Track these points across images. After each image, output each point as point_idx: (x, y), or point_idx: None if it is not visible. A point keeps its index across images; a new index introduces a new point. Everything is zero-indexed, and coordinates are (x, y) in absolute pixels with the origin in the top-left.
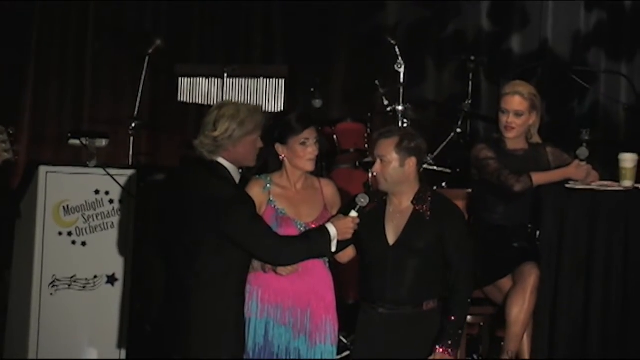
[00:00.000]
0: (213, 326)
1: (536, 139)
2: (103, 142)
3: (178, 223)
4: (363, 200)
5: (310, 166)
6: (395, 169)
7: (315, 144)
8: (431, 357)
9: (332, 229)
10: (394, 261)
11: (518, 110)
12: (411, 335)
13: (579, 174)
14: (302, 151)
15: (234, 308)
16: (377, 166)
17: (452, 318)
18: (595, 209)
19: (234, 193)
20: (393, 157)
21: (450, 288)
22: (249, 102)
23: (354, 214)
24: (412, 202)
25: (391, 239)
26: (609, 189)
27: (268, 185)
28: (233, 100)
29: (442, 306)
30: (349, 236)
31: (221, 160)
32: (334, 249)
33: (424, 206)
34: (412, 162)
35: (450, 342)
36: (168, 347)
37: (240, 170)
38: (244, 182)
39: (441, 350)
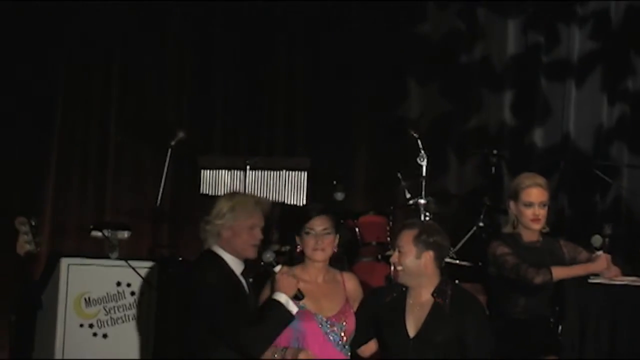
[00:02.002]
0: None
1: (546, 229)
2: (125, 234)
3: (174, 312)
4: (269, 255)
5: (317, 256)
6: (412, 260)
7: (325, 234)
8: None
9: (276, 295)
10: (414, 354)
11: (543, 201)
12: None
13: (600, 266)
14: (308, 241)
15: None
16: (395, 256)
17: None
18: (618, 304)
19: (213, 281)
20: (410, 248)
21: None
22: (270, 194)
23: (277, 268)
24: (432, 294)
25: (411, 331)
26: (632, 284)
27: None
28: (244, 192)
29: None
30: (295, 284)
31: (219, 250)
32: (295, 309)
33: (445, 299)
34: (429, 255)
35: None
36: None
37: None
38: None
39: None
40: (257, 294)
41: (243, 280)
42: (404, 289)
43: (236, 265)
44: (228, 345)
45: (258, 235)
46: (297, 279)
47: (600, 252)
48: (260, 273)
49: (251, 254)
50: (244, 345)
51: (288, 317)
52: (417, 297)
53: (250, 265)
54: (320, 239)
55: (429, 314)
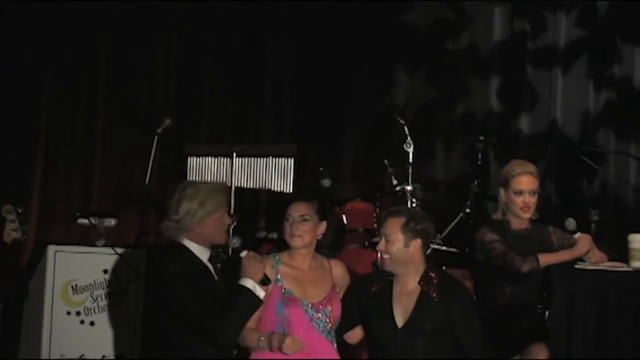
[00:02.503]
0: None
1: (535, 216)
2: (112, 222)
3: (147, 304)
4: (235, 241)
5: (293, 242)
6: (400, 249)
7: (302, 221)
8: None
9: (243, 280)
10: (402, 343)
11: (532, 189)
12: None
13: (583, 246)
14: (286, 227)
15: None
16: (382, 244)
17: None
18: (604, 289)
19: (177, 272)
20: (398, 237)
21: None
22: (256, 181)
23: (243, 254)
24: (418, 282)
25: (399, 321)
26: (618, 269)
27: (276, 265)
28: (194, 180)
29: None
30: (261, 269)
31: (186, 241)
32: (262, 294)
33: (431, 287)
34: (417, 243)
35: None
36: None
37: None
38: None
39: None
40: (226, 279)
41: (210, 267)
42: (390, 277)
43: (202, 253)
44: (199, 337)
45: (227, 220)
46: (264, 264)
47: (578, 234)
48: (227, 259)
49: (222, 239)
50: (215, 334)
51: (256, 303)
52: (403, 286)
53: (217, 252)
54: (296, 225)
55: (417, 303)
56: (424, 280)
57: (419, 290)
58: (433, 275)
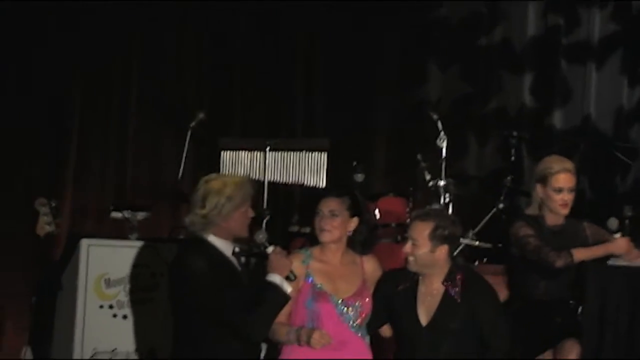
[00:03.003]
0: None
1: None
2: (145, 215)
3: (171, 301)
4: (261, 236)
5: (322, 237)
6: (426, 253)
7: (331, 216)
8: None
9: (270, 276)
10: (427, 343)
11: (571, 187)
12: None
13: (620, 248)
14: (315, 222)
15: None
16: (408, 247)
17: None
18: (638, 286)
19: (203, 269)
20: (425, 242)
21: None
22: (289, 176)
23: (269, 249)
24: (443, 282)
25: (424, 320)
26: None
27: (307, 259)
28: (223, 173)
29: None
30: (288, 265)
31: (211, 237)
32: (289, 289)
33: (455, 287)
34: (443, 249)
35: None
36: None
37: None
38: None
39: None
40: (250, 273)
41: (235, 261)
42: (415, 276)
43: (226, 248)
44: (229, 333)
45: (251, 214)
46: (290, 260)
47: (618, 235)
48: (253, 253)
49: (246, 233)
50: (245, 331)
51: (284, 298)
52: (428, 286)
53: (243, 246)
54: (326, 220)
55: (441, 302)
56: (449, 280)
57: (443, 290)
58: (458, 275)
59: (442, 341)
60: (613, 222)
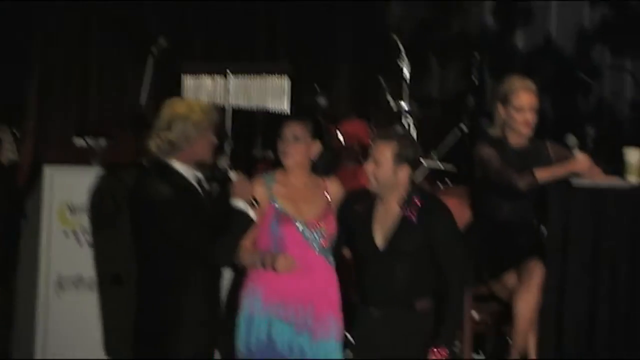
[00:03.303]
0: (174, 326)
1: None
2: (107, 142)
3: (133, 228)
4: (224, 162)
5: (286, 162)
6: (388, 174)
7: (294, 140)
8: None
9: (234, 201)
10: (383, 263)
11: (533, 106)
12: (405, 335)
13: (581, 164)
14: (280, 146)
15: (196, 307)
16: (370, 166)
17: (446, 319)
18: (601, 204)
19: (169, 194)
20: (387, 163)
21: (443, 287)
22: (252, 100)
23: (232, 175)
24: (400, 204)
25: (379, 241)
26: (614, 184)
27: (270, 184)
28: (184, 98)
29: (436, 304)
30: (251, 189)
31: (175, 163)
32: (253, 214)
33: (412, 209)
34: (405, 170)
35: (443, 344)
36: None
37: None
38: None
39: (434, 352)
40: (213, 199)
41: (198, 187)
42: (375, 197)
43: (189, 173)
44: (194, 257)
45: (215, 139)
46: (253, 185)
47: (577, 151)
48: (216, 179)
49: (208, 158)
50: (210, 257)
51: (249, 223)
52: (386, 207)
53: (205, 172)
54: (289, 144)
55: (397, 225)
56: (406, 202)
57: (400, 212)
58: (416, 197)
59: (397, 263)
60: (571, 139)
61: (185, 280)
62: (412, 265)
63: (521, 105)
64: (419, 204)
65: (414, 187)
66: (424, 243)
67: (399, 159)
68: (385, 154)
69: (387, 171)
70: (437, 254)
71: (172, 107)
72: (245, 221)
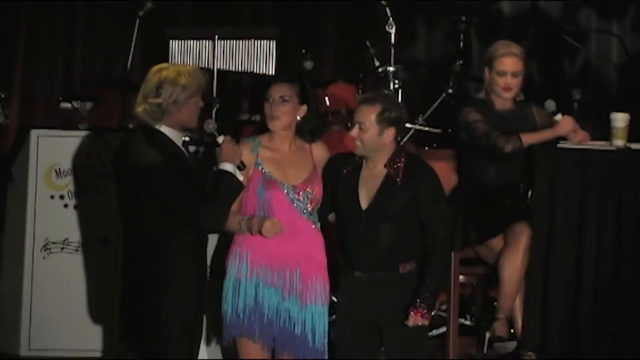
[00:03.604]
0: (162, 292)
1: (520, 96)
2: (94, 105)
3: (119, 192)
4: (211, 126)
5: (273, 125)
6: (373, 137)
7: (281, 102)
8: (406, 322)
9: (223, 165)
10: (367, 226)
11: (515, 71)
12: (390, 298)
13: (566, 126)
14: (266, 108)
15: (184, 272)
16: (355, 131)
17: (428, 281)
18: (587, 168)
19: (158, 159)
20: (372, 125)
21: (427, 250)
22: (239, 64)
23: (220, 139)
24: (385, 165)
25: (364, 203)
26: (601, 148)
27: (256, 148)
28: (173, 63)
29: (421, 267)
30: (239, 153)
31: (163, 127)
32: (241, 178)
33: (397, 170)
34: (390, 132)
35: (424, 306)
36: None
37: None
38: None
39: (415, 313)
40: (199, 164)
41: (185, 152)
42: (360, 160)
43: (177, 138)
44: (184, 223)
45: (201, 103)
46: (240, 149)
47: (559, 115)
48: (202, 142)
49: (195, 123)
50: (202, 222)
51: (239, 187)
52: (371, 169)
53: (192, 136)
54: (276, 106)
55: (381, 185)
56: (391, 163)
57: (385, 173)
58: (401, 158)
59: (381, 224)
60: (550, 104)
61: (174, 245)
62: (397, 227)
63: (503, 70)
64: (404, 165)
65: (400, 149)
66: (409, 204)
67: (384, 121)
68: (369, 116)
69: (372, 134)
70: (421, 214)
71: (160, 72)
72: (235, 185)
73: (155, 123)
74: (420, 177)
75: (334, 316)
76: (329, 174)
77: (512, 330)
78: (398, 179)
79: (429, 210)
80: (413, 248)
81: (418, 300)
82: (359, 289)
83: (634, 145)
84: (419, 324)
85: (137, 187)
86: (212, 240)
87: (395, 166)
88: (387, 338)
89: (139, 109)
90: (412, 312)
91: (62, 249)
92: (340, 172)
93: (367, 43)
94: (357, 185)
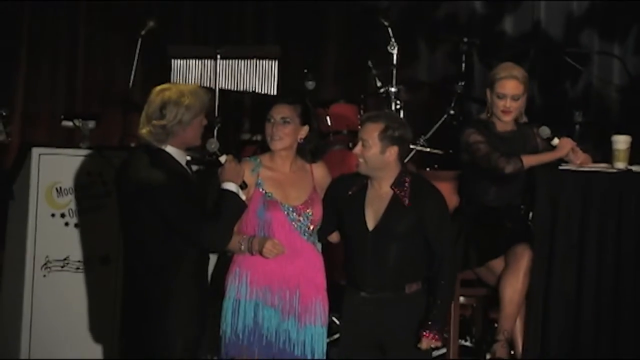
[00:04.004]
0: (163, 310)
1: (523, 119)
2: (95, 124)
3: (121, 211)
4: (213, 146)
5: (274, 145)
6: (375, 154)
7: (283, 123)
8: (419, 345)
9: (225, 184)
10: (373, 246)
11: (515, 95)
12: (395, 318)
13: (565, 147)
14: (267, 129)
15: (186, 291)
16: (358, 148)
17: (438, 302)
18: (588, 190)
19: (163, 178)
20: (375, 143)
21: (434, 272)
22: (241, 83)
23: (222, 158)
24: (391, 186)
25: (370, 224)
26: (602, 170)
27: (257, 168)
28: (175, 82)
29: (426, 288)
30: (242, 172)
31: (168, 147)
32: (244, 197)
33: (403, 191)
34: (393, 150)
35: (435, 327)
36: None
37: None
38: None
39: (427, 335)
40: (201, 183)
41: (189, 171)
42: (366, 180)
43: (181, 157)
44: (188, 242)
45: (205, 122)
46: (243, 168)
47: (556, 140)
48: (205, 162)
49: (199, 142)
50: (205, 241)
51: (242, 206)
52: (377, 190)
53: (195, 155)
54: (277, 127)
55: (388, 207)
56: (397, 184)
57: (392, 193)
58: (407, 179)
59: (388, 245)
60: (545, 130)
61: (176, 264)
62: (403, 248)
63: (503, 93)
64: (410, 185)
65: (405, 169)
66: (415, 225)
67: (387, 139)
68: (372, 134)
69: (374, 152)
70: (428, 235)
71: (163, 93)
72: (238, 204)
73: (160, 144)
74: (427, 198)
75: (333, 337)
76: (333, 194)
77: (512, 352)
78: (405, 200)
79: (435, 230)
80: (419, 268)
81: (429, 322)
82: (364, 309)
83: (635, 168)
84: (432, 345)
85: (140, 205)
86: (212, 258)
87: (402, 187)
88: (392, 358)
89: (144, 131)
90: (424, 335)
91: (62, 267)
92: (345, 193)
93: (369, 63)
94: (363, 206)
